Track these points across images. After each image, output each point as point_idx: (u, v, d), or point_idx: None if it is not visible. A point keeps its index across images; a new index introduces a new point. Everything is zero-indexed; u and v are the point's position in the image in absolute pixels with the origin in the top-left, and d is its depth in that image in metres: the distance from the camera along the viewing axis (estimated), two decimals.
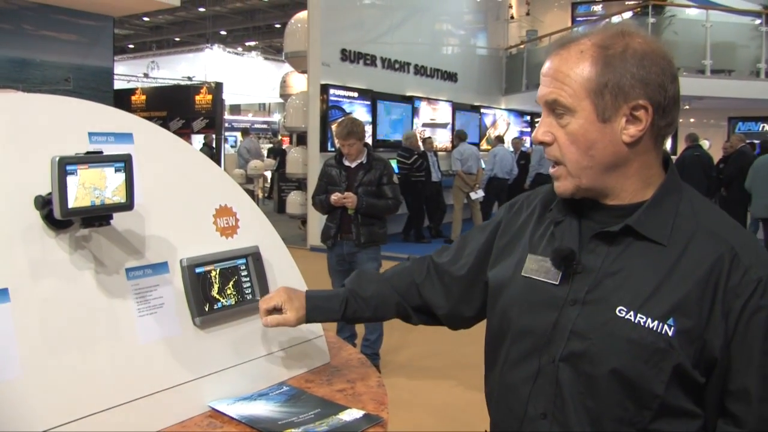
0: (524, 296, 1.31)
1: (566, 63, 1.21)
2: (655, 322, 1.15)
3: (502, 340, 1.35)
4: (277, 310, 1.57)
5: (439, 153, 12.75)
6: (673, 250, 1.18)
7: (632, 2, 16.19)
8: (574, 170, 1.23)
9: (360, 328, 5.09)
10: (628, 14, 15.21)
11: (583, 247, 1.26)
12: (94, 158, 1.34)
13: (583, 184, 1.24)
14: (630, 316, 1.17)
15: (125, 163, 1.38)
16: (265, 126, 31.40)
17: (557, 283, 1.26)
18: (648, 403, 1.16)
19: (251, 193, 13.92)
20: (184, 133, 18.05)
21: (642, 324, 1.15)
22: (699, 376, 1.15)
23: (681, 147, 12.11)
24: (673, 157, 12.02)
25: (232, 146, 22.87)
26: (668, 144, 14.72)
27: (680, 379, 1.15)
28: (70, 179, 1.29)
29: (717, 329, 1.14)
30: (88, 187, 1.32)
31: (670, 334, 1.14)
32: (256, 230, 1.79)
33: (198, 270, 1.61)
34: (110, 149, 1.48)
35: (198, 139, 17.69)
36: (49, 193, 1.31)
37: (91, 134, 1.50)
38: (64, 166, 1.28)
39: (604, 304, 1.20)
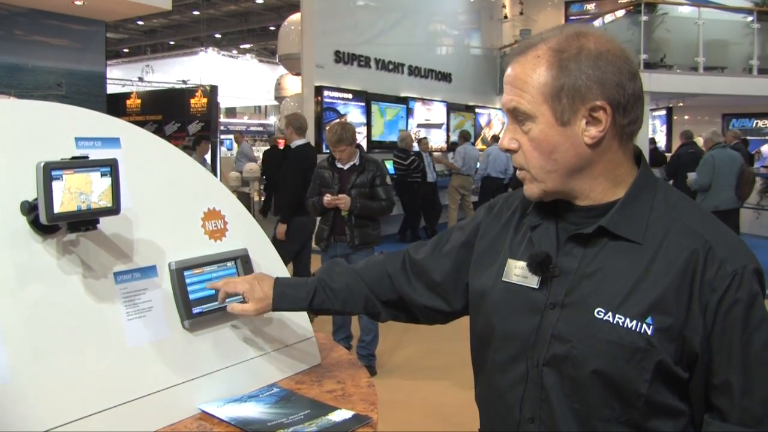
0: (506, 301, 1.31)
1: (524, 69, 1.22)
2: (634, 322, 1.15)
3: (486, 345, 1.36)
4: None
5: (435, 154, 12.76)
6: (649, 248, 1.19)
7: (625, 0, 16.20)
8: (539, 175, 1.24)
9: (355, 330, 5.10)
10: (621, 12, 15.21)
11: (559, 250, 1.26)
12: (79, 163, 1.34)
13: (549, 188, 1.24)
14: (608, 317, 1.17)
15: (111, 167, 1.38)
16: (260, 128, 31.36)
17: (537, 287, 1.26)
18: (633, 402, 1.16)
19: (247, 196, 13.90)
20: (180, 136, 18.03)
21: (621, 324, 1.16)
22: (682, 372, 1.16)
23: (676, 144, 12.13)
24: (668, 155, 12.06)
25: (228, 149, 22.85)
26: (663, 142, 14.84)
27: (663, 377, 1.15)
28: (55, 184, 1.29)
29: (696, 325, 1.14)
30: (74, 192, 1.32)
31: (649, 333, 1.14)
32: (245, 233, 1.80)
33: (187, 273, 1.61)
34: (97, 154, 1.49)
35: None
36: (36, 199, 1.31)
37: (78, 139, 1.50)
38: (49, 172, 1.28)
39: (583, 307, 1.20)
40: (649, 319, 1.14)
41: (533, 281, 1.27)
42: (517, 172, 1.29)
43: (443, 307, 1.53)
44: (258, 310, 1.58)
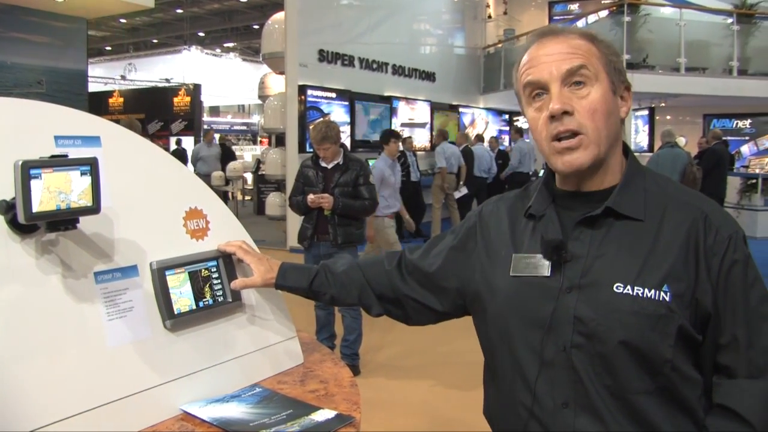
0: (518, 295, 1.35)
1: (574, 41, 1.30)
2: (653, 291, 1.23)
3: (505, 343, 1.38)
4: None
5: (418, 153, 12.76)
6: (651, 224, 1.27)
7: (608, 1, 16.30)
8: (596, 138, 1.28)
9: (339, 330, 5.10)
10: (604, 13, 15.31)
11: (567, 236, 1.32)
12: (58, 162, 1.32)
13: (601, 153, 1.29)
14: (628, 290, 1.24)
15: (91, 166, 1.37)
16: (244, 127, 31.27)
17: (549, 275, 1.31)
18: (660, 368, 1.23)
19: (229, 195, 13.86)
20: (163, 135, 17.97)
21: (641, 295, 1.23)
22: (696, 334, 1.25)
23: (657, 144, 12.22)
24: (650, 155, 12.14)
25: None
26: (645, 141, 14.96)
27: (684, 341, 1.24)
28: (34, 183, 1.28)
29: (705, 287, 1.24)
30: (53, 191, 1.31)
31: (667, 299, 1.22)
32: (227, 232, 1.79)
33: (168, 273, 1.60)
34: (77, 152, 1.47)
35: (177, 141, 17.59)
36: (14, 198, 1.29)
37: (57, 137, 1.48)
38: (27, 170, 1.27)
39: (601, 285, 1.26)
40: (665, 287, 1.23)
41: (544, 270, 1.32)
42: (565, 142, 1.28)
43: (434, 304, 1.57)
44: (264, 281, 1.68)
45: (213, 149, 15.02)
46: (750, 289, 1.25)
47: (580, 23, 15.37)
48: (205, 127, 20.31)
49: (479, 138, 13.34)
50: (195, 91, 18.15)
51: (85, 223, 1.43)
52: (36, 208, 1.28)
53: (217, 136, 20.11)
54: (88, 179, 1.36)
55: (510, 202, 1.49)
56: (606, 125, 1.27)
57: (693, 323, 1.24)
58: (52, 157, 1.34)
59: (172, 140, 17.55)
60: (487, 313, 1.43)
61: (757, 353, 1.24)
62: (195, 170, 14.11)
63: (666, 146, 8.94)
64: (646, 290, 1.23)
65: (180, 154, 16.07)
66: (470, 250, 1.51)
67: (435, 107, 14.09)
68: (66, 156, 1.37)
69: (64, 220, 1.36)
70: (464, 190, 11.42)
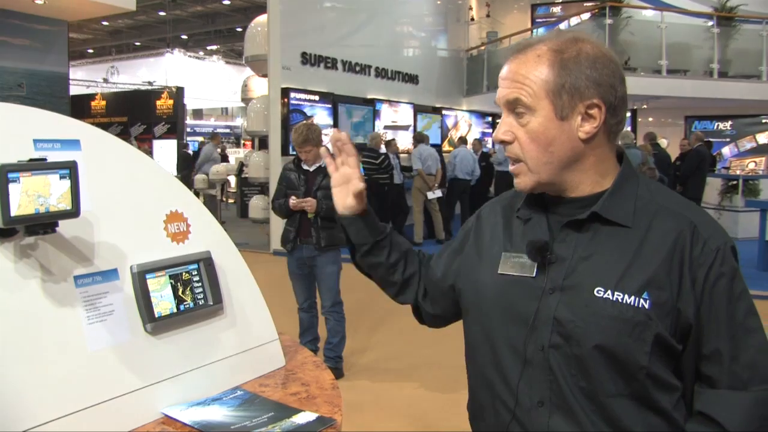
0: (503, 293, 1.37)
1: (525, 66, 1.29)
2: (632, 297, 1.24)
3: (485, 341, 1.40)
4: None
5: (401, 155, 12.77)
6: (638, 230, 1.28)
7: (590, 4, 16.40)
8: (534, 166, 1.31)
9: (322, 333, 5.09)
10: (586, 15, 15.39)
11: (554, 239, 1.33)
12: (37, 165, 1.32)
13: (543, 179, 1.32)
14: (608, 295, 1.25)
15: (70, 169, 1.37)
16: (227, 130, 31.19)
17: (534, 275, 1.33)
18: (636, 374, 1.24)
19: (213, 198, 13.81)
20: (146, 138, 17.89)
21: (620, 301, 1.24)
22: (676, 344, 1.25)
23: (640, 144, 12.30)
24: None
25: (194, 151, 22.79)
26: None
27: (661, 349, 1.24)
28: (12, 187, 1.27)
29: (688, 298, 1.24)
30: (31, 195, 1.30)
31: (646, 306, 1.23)
32: (208, 235, 1.79)
33: (149, 276, 1.60)
34: (56, 156, 1.46)
35: (160, 144, 17.52)
36: None
37: (36, 141, 1.48)
38: (5, 174, 1.26)
39: (582, 288, 1.27)
40: (645, 294, 1.23)
41: (530, 270, 1.34)
42: (511, 166, 1.36)
43: (427, 308, 1.62)
44: (359, 203, 1.72)
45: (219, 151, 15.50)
46: (736, 302, 1.25)
47: (563, 26, 15.45)
48: (188, 129, 20.25)
49: (462, 140, 13.37)
50: (178, 94, 18.07)
51: (64, 226, 1.43)
52: (14, 212, 1.28)
53: (200, 139, 20.16)
54: (67, 183, 1.36)
55: (505, 202, 1.51)
56: (545, 153, 1.29)
57: (672, 332, 1.24)
58: (31, 160, 1.34)
59: (157, 143, 17.46)
60: (472, 309, 1.45)
61: (740, 367, 1.24)
62: (202, 170, 14.59)
63: (623, 146, 9.11)
64: (626, 296, 1.23)
65: (186, 157, 16.35)
66: (465, 250, 1.53)
67: (418, 109, 14.11)
68: (45, 159, 1.36)
69: (43, 224, 1.35)
70: (438, 192, 11.44)
